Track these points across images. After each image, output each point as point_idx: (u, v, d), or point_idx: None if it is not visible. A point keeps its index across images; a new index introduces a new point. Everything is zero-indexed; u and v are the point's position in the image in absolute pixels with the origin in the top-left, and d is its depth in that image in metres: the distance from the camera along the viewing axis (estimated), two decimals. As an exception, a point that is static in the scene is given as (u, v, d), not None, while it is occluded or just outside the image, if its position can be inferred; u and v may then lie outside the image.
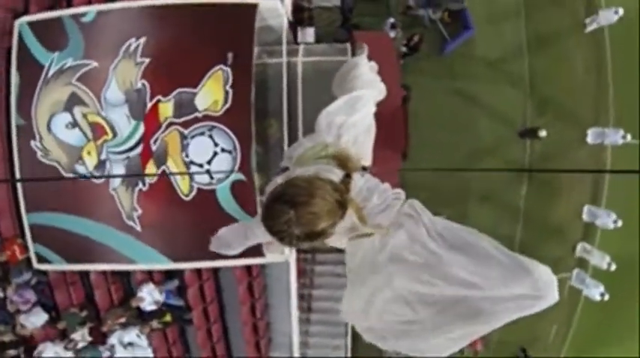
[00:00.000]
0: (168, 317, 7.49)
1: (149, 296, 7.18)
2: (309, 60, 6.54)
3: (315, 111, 6.08)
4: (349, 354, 8.40)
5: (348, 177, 1.49)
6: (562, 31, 9.15)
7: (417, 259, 1.34)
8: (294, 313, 7.55)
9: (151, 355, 7.63)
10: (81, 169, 6.54)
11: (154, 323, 7.39)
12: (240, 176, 6.27)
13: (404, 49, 7.70)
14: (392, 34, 7.55)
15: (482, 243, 1.36)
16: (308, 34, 7.37)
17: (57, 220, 6.77)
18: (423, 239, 1.34)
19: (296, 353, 7.83)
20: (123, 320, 7.36)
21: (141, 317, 7.44)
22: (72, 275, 7.34)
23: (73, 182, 6.66)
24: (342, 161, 1.58)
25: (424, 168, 8.87)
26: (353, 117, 1.94)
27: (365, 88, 2.14)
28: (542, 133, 8.82)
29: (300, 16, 7.87)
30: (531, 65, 9.01)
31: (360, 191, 1.49)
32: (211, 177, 6.31)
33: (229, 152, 6.19)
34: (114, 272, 7.26)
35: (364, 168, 1.78)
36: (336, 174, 1.50)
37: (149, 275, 7.29)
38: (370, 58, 2.47)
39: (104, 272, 7.22)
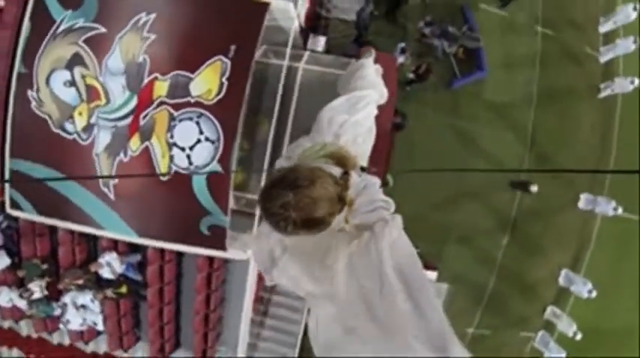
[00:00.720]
0: (123, 289, 7.53)
1: (109, 265, 7.22)
2: (310, 68, 6.54)
3: (305, 119, 6.16)
4: (296, 364, 8.36)
5: (346, 174, 1.49)
6: (575, 91, 9.07)
7: (367, 285, 1.34)
8: (246, 312, 7.54)
9: (101, 321, 7.68)
10: (69, 127, 6.62)
11: (109, 292, 7.43)
12: (218, 168, 6.29)
13: (411, 75, 7.66)
14: (400, 59, 7.55)
15: (430, 289, 1.33)
16: (318, 42, 7.38)
17: (38, 172, 6.85)
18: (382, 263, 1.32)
19: (240, 353, 7.79)
20: (80, 281, 7.43)
21: (98, 283, 7.49)
22: (41, 228, 7.43)
23: (60, 138, 6.73)
24: (340, 159, 1.59)
25: (417, 169, 8.69)
26: (354, 116, 1.95)
27: (368, 89, 2.13)
28: (534, 188, 8.72)
29: (315, 24, 7.91)
30: (537, 118, 8.92)
31: (356, 188, 1.49)
32: (190, 163, 6.33)
33: (212, 142, 6.22)
34: (81, 234, 7.32)
35: (363, 169, 1.77)
36: (336, 172, 1.50)
37: (114, 245, 7.34)
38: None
39: (72, 232, 7.29)
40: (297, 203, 1.25)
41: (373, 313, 1.31)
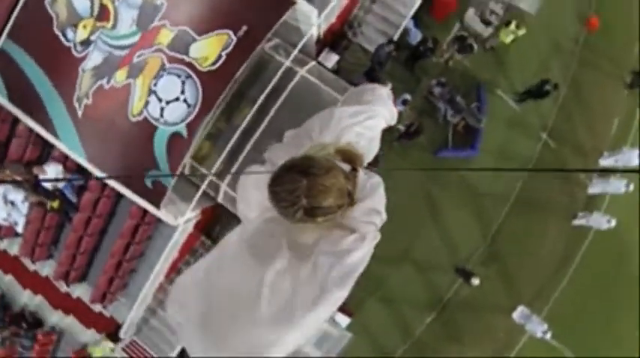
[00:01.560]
0: (56, 204, 7.52)
1: (50, 174, 7.23)
2: (310, 78, 6.63)
3: (284, 122, 6.18)
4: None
5: (354, 171, 1.47)
6: (553, 208, 9.09)
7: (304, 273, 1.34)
8: (157, 274, 7.51)
9: (22, 224, 7.67)
10: (70, 35, 6.72)
11: (42, 199, 7.43)
12: (184, 132, 6.34)
13: (402, 127, 7.72)
14: (399, 108, 7.61)
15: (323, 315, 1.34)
16: (330, 58, 7.50)
17: (26, 63, 6.95)
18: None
19: (135, 312, 7.74)
20: (19, 178, 7.43)
21: (34, 188, 7.50)
22: (6, 115, 7.46)
23: (57, 41, 6.81)
24: (349, 155, 1.55)
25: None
26: (362, 124, 1.87)
27: (380, 106, 2.07)
28: (475, 281, 8.68)
29: (336, 41, 8.01)
30: (506, 218, 8.93)
31: (362, 187, 1.47)
32: (161, 116, 6.39)
33: (188, 106, 6.29)
34: (39, 136, 7.35)
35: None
36: (345, 167, 1.47)
37: (64, 160, 7.36)
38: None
39: (31, 130, 7.31)
40: (309, 189, 1.23)
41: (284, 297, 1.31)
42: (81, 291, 8.16)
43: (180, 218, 6.88)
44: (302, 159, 1.34)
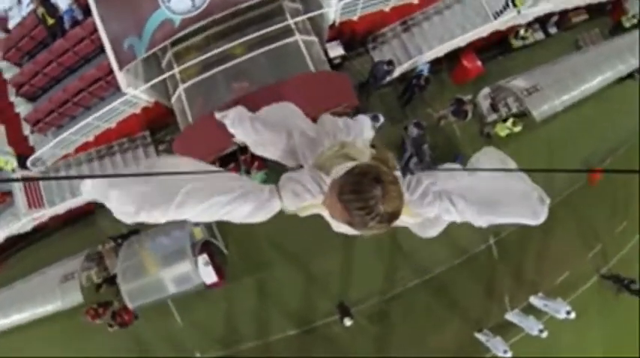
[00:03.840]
0: (51, 21, 8.20)
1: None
2: (302, 48, 7.27)
3: (258, 66, 6.78)
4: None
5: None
6: (462, 307, 9.34)
7: None
8: (81, 127, 8.10)
9: (15, 22, 8.56)
10: None
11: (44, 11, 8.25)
12: (177, 23, 7.04)
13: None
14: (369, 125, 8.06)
15: None
16: (335, 49, 8.14)
17: None
18: None
19: (47, 149, 8.31)
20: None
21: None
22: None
23: None
24: (383, 160, 1.70)
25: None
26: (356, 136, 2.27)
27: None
28: (348, 323, 8.71)
29: (353, 43, 8.71)
30: (414, 289, 9.17)
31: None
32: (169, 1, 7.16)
33: (193, 4, 6.98)
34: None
35: None
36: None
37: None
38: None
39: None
40: (384, 195, 1.31)
41: None
42: (23, 109, 8.84)
43: (132, 89, 7.51)
44: (366, 167, 1.45)
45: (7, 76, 8.94)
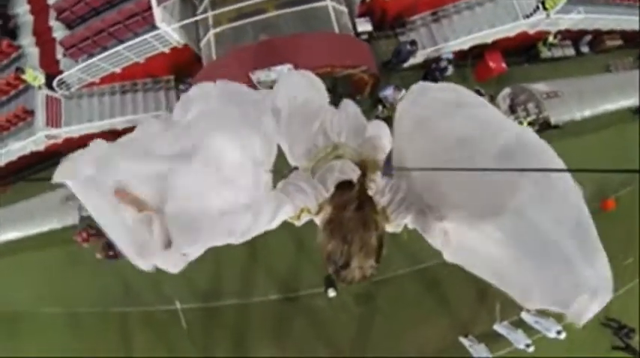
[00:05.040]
0: None
1: None
2: (331, 13, 7.72)
3: (286, 23, 7.34)
4: None
5: (364, 176, 1.70)
6: (450, 306, 9.36)
7: None
8: (110, 54, 8.64)
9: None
10: None
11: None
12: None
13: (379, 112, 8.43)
14: (387, 92, 8.38)
15: None
16: (364, 25, 8.55)
17: None
18: None
19: (75, 72, 8.89)
20: None
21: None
22: None
23: None
24: (369, 165, 1.76)
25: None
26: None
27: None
28: (331, 293, 8.76)
29: (382, 24, 9.15)
30: (403, 277, 9.13)
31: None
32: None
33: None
34: None
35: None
36: (355, 172, 1.73)
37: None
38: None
39: None
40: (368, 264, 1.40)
41: None
42: (59, 34, 9.48)
43: (166, 25, 8.05)
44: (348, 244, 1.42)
45: (51, 1, 9.61)
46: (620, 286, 10.15)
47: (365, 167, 1.73)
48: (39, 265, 10.37)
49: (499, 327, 9.54)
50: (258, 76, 7.03)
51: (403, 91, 8.29)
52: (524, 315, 9.62)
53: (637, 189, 10.37)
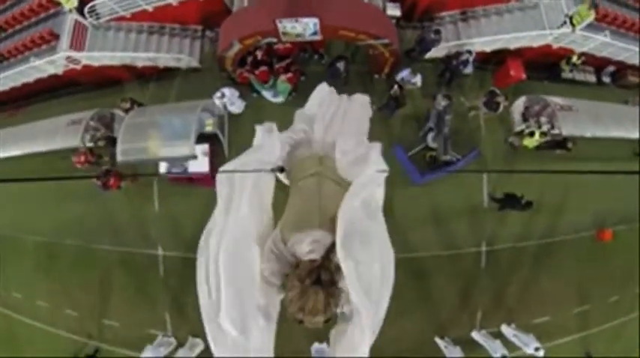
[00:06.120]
0: None
1: None
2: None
3: None
4: None
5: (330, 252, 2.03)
6: (433, 301, 9.45)
7: None
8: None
9: None
10: None
11: None
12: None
13: (393, 91, 8.70)
14: (405, 74, 8.65)
15: None
16: (393, 10, 8.96)
17: None
18: None
19: None
20: None
21: None
22: None
23: None
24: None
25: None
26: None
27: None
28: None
29: (411, 16, 9.60)
30: None
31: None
32: None
33: None
34: None
35: None
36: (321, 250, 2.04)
37: None
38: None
39: None
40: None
41: None
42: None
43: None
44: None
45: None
46: (600, 322, 10.11)
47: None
48: (29, 193, 10.50)
49: (477, 335, 9.47)
50: (285, 24, 7.32)
51: (418, 76, 8.58)
52: (503, 328, 9.57)
53: (637, 228, 10.33)
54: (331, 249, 2.02)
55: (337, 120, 2.77)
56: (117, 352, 10.00)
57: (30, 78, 10.25)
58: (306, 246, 2.00)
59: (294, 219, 2.19)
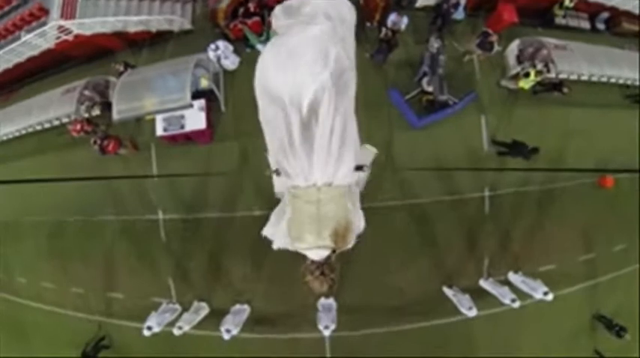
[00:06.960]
0: None
1: None
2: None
3: None
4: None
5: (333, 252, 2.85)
6: (440, 247, 9.39)
7: None
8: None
9: None
10: None
11: None
12: None
13: (383, 34, 8.80)
14: (392, 17, 8.75)
15: None
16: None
17: None
18: None
19: None
20: None
21: None
22: None
23: None
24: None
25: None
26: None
27: None
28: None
29: None
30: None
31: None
32: None
33: None
34: None
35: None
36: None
37: None
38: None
39: None
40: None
41: None
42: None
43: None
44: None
45: None
46: (606, 271, 10.10)
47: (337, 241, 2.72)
48: (26, 171, 10.58)
49: (485, 283, 9.45)
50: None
51: (405, 18, 8.70)
52: (511, 275, 9.54)
53: (637, 178, 10.23)
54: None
55: None
56: (124, 326, 10.03)
57: (22, 57, 10.33)
58: (312, 256, 2.82)
59: (298, 231, 2.79)
